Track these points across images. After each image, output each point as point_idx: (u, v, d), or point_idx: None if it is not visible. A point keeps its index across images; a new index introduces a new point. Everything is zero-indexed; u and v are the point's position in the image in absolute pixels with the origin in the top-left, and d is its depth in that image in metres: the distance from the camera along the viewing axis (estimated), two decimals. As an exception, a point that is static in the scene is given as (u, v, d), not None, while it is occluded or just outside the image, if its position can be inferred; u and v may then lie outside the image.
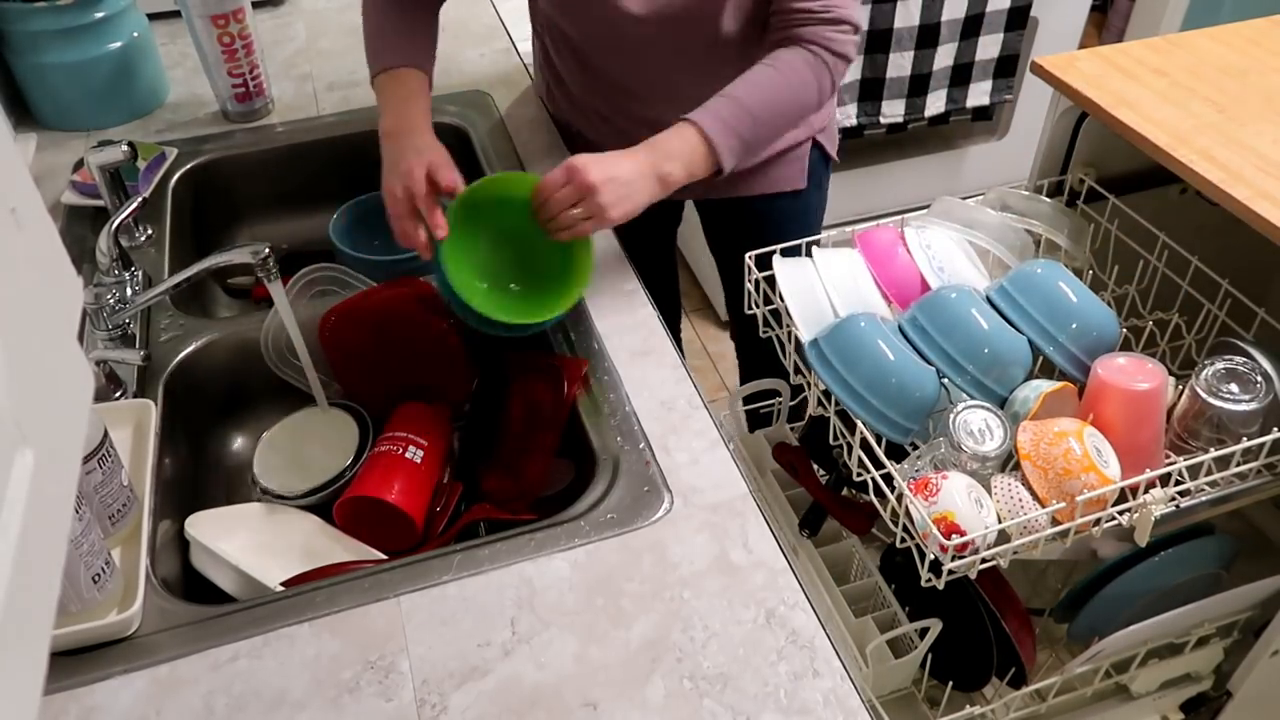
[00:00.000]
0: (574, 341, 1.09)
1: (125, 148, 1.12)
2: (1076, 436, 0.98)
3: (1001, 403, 1.08)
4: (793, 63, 1.12)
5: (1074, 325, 1.09)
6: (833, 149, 1.43)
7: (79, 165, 1.33)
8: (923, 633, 1.22)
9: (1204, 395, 1.03)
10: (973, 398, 1.06)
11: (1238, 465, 1.04)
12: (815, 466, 1.49)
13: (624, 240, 1.25)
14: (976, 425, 1.02)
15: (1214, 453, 1.01)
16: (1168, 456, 1.06)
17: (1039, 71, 1.46)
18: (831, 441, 1.14)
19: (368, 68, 1.17)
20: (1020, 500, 0.98)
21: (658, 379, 1.04)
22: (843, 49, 1.13)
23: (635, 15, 1.16)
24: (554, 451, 1.05)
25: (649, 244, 1.46)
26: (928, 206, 1.28)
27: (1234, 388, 1.04)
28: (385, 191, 1.06)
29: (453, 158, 1.07)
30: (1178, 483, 1.02)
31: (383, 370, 1.14)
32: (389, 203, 1.06)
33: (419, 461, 1.04)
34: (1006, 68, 2.28)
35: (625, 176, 1.03)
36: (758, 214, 1.41)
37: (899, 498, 1.00)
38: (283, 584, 0.92)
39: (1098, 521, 1.00)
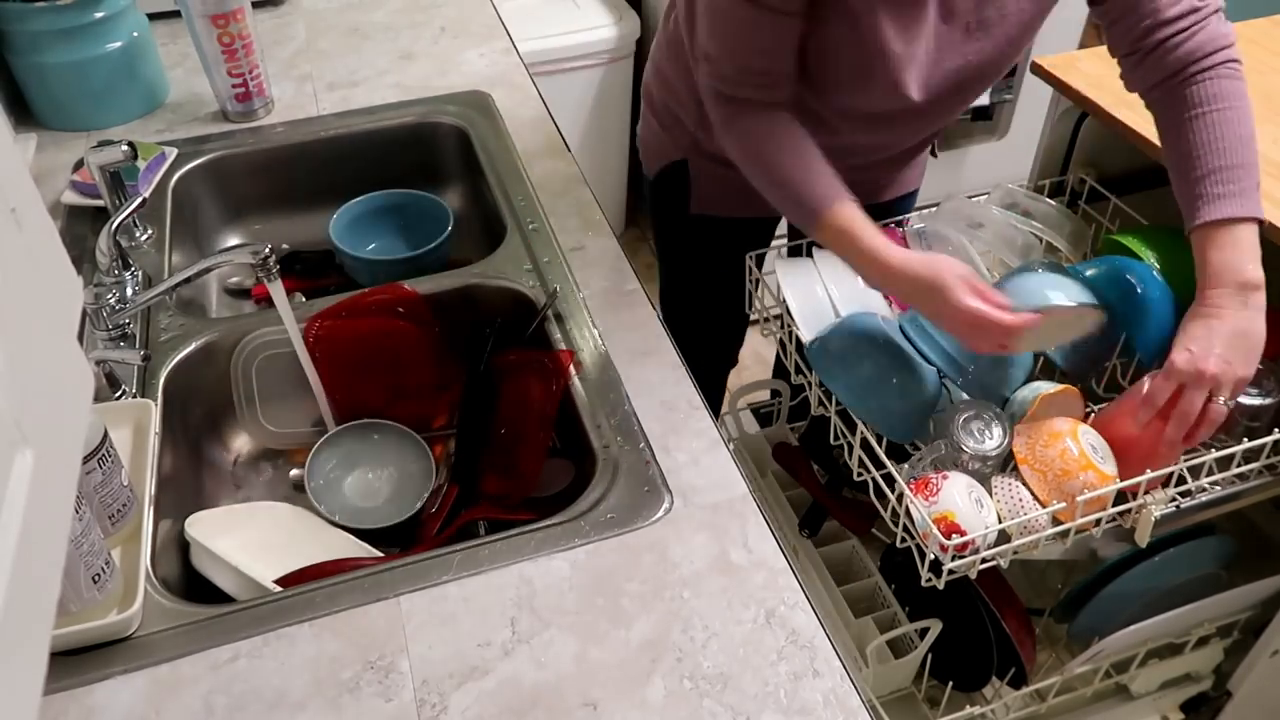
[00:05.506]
0: (573, 340, 1.09)
1: (125, 148, 1.11)
2: (1071, 436, 0.98)
3: (1002, 403, 1.08)
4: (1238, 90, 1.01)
5: (1074, 325, 1.09)
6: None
7: (79, 165, 1.33)
8: (923, 633, 1.22)
9: None
10: (973, 398, 1.06)
11: (1239, 465, 1.04)
12: (815, 466, 1.50)
13: (714, 260, 1.19)
14: (977, 425, 1.02)
15: (1215, 453, 1.01)
16: (1168, 457, 1.06)
17: (1039, 72, 1.46)
18: (832, 441, 1.14)
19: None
20: (1020, 500, 0.98)
21: (658, 379, 1.04)
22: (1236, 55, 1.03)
23: (916, 104, 1.08)
24: (547, 446, 1.05)
25: (738, 264, 1.43)
26: (929, 207, 1.28)
27: None
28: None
29: (453, 157, 1.03)
30: (1179, 482, 1.02)
31: (369, 373, 1.14)
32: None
33: None
34: (1007, 68, 2.28)
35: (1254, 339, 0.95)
36: (878, 218, 1.34)
37: (899, 497, 1.00)
38: (278, 580, 0.92)
39: (1098, 521, 0.99)
